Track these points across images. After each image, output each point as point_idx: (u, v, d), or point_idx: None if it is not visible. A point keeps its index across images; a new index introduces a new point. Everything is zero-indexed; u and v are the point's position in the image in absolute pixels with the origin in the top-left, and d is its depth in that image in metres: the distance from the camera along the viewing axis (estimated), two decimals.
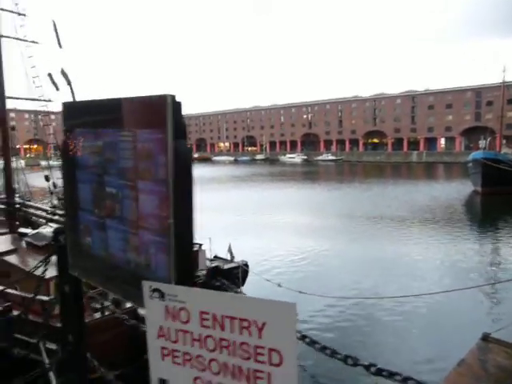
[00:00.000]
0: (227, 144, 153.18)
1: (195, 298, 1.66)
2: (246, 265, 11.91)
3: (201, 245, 11.41)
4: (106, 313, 9.23)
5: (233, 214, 29.55)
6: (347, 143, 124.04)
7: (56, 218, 15.75)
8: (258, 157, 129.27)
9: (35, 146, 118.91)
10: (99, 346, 6.12)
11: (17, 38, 18.31)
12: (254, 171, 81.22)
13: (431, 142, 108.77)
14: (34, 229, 14.42)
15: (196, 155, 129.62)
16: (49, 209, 15.43)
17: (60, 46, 15.76)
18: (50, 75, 14.93)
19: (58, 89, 14.84)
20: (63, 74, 13.76)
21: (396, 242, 21.74)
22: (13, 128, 18.87)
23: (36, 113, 19.09)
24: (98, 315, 9.19)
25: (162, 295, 1.73)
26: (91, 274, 2.33)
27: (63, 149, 2.32)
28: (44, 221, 16.82)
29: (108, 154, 2.07)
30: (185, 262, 1.73)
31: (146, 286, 1.77)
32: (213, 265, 10.91)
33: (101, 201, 2.16)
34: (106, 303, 9.41)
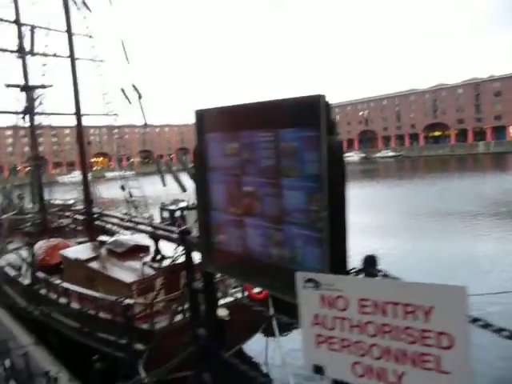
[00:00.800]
0: None
1: (353, 286, 1.73)
2: None
3: None
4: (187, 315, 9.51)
5: None
6: (406, 138, 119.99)
7: (132, 225, 16.57)
8: None
9: (101, 159, 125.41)
10: (177, 347, 6.32)
11: (88, 59, 19.56)
12: None
13: (499, 131, 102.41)
14: (109, 236, 15.26)
15: None
16: (125, 217, 16.21)
17: (128, 62, 16.63)
18: (122, 90, 15.79)
19: (130, 102, 15.66)
20: (134, 88, 14.53)
21: (475, 237, 20.68)
22: (88, 143, 20.11)
23: (108, 128, 20.22)
24: (179, 317, 9.50)
25: (316, 285, 1.81)
26: (227, 270, 2.48)
27: (196, 153, 2.49)
28: (118, 229, 17.75)
29: (245, 154, 2.20)
30: (339, 252, 1.81)
31: (300, 276, 1.86)
32: None
33: (237, 200, 2.30)
34: (186, 306, 9.71)
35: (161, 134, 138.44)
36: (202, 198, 2.52)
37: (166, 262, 11.13)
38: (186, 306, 9.66)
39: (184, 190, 12.80)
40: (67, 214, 22.97)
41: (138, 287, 10.28)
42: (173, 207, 21.90)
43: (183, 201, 21.73)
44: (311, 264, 1.92)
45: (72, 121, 17.86)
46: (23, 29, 19.14)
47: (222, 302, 8.39)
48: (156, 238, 11.82)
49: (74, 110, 16.36)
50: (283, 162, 1.99)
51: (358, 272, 1.84)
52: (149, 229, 13.95)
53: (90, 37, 19.80)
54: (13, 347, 9.85)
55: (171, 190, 15.14)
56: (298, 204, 1.94)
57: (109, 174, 77.40)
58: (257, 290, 10.61)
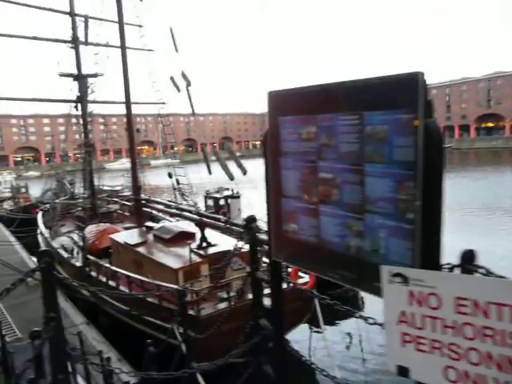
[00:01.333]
0: None
1: (449, 284, 1.58)
2: None
3: None
4: (232, 303, 9.52)
5: None
6: (456, 129, 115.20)
7: (178, 212, 16.85)
8: None
9: (146, 147, 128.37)
10: (220, 336, 6.30)
11: (137, 49, 19.97)
12: None
13: None
14: (154, 223, 15.56)
15: None
16: (173, 204, 16.52)
17: (177, 51, 16.73)
18: (172, 78, 15.92)
19: (179, 90, 15.78)
20: (184, 76, 14.60)
21: None
22: (137, 130, 20.56)
23: (155, 116, 20.61)
24: (223, 305, 9.52)
25: (405, 280, 1.68)
26: (297, 259, 2.37)
27: (268, 138, 2.39)
28: (164, 215, 18.10)
29: (323, 139, 2.07)
30: (431, 246, 1.65)
31: (386, 270, 1.73)
32: None
33: (312, 187, 2.18)
34: (232, 293, 9.72)
35: (205, 123, 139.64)
36: (273, 184, 2.42)
37: (211, 250, 11.23)
38: (232, 293, 9.70)
39: (232, 178, 12.81)
40: (115, 199, 23.73)
41: (184, 273, 10.41)
42: (217, 195, 22.07)
43: (228, 189, 21.86)
44: (396, 257, 1.78)
45: (119, 109, 18.27)
46: (77, 19, 19.72)
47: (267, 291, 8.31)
48: (202, 226, 11.93)
49: (122, 98, 16.70)
50: (368, 146, 1.84)
51: (452, 268, 1.68)
52: (195, 216, 14.09)
53: (140, 26, 20.19)
54: (66, 326, 10.24)
55: (216, 178, 15.20)
56: (384, 192, 1.79)
57: (154, 162, 79.05)
58: (302, 281, 10.48)
